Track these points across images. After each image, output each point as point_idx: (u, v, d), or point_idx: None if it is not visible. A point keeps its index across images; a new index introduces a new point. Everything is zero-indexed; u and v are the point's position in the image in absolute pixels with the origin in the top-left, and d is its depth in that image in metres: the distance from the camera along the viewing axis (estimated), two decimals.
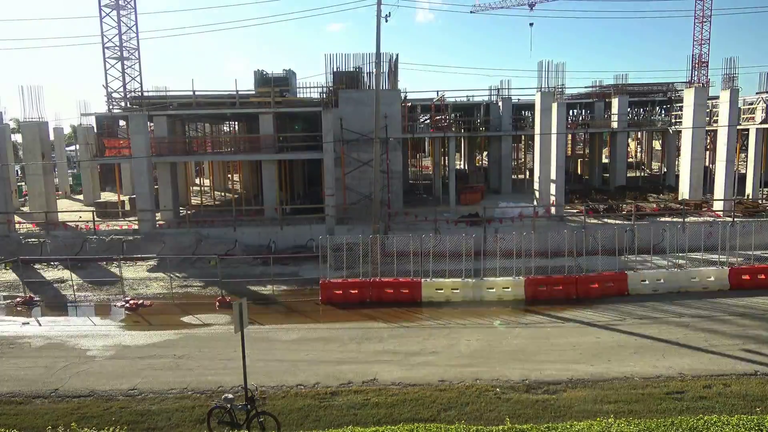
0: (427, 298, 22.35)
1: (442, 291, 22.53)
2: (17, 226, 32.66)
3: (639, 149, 66.71)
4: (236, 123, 48.57)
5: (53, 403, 14.46)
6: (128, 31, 45.58)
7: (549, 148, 33.41)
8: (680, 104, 39.94)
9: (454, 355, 16.92)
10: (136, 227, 31.73)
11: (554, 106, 33.39)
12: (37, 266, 28.24)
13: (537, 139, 34.94)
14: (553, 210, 32.91)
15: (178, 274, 26.16)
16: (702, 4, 61.64)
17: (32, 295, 23.76)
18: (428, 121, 49.04)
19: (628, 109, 47.86)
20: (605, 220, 31.78)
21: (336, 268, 24.31)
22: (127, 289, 24.47)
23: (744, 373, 15.04)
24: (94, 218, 32.36)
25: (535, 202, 34.31)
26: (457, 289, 22.52)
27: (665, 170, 48.33)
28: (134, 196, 35.39)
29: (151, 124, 34.86)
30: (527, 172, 49.48)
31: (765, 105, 36.71)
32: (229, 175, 53.67)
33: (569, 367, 15.71)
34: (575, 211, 33.99)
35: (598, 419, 11.79)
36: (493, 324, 19.71)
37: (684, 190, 34.98)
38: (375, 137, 26.75)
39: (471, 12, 64.10)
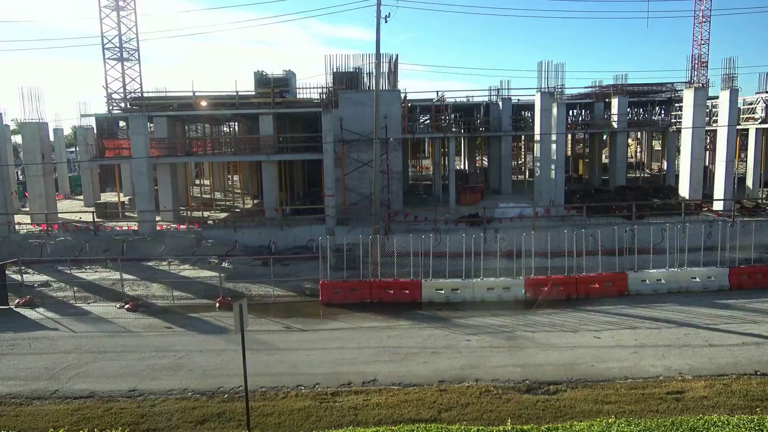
0: (428, 298, 22.34)
1: (442, 291, 22.52)
2: (17, 227, 32.67)
3: (639, 149, 66.71)
4: (236, 124, 48.56)
5: (54, 404, 14.47)
6: (128, 32, 45.54)
7: (549, 148, 33.42)
8: (680, 104, 39.95)
9: (455, 355, 16.92)
10: (136, 228, 31.73)
11: (554, 106, 33.40)
12: (37, 267, 28.23)
13: (537, 139, 34.96)
14: (552, 210, 32.91)
15: (178, 275, 26.12)
16: (702, 4, 61.63)
17: (32, 297, 23.74)
18: (428, 121, 49.04)
19: (628, 109, 47.85)
20: (605, 220, 31.75)
21: (336, 268, 24.28)
22: (127, 290, 24.45)
23: (744, 373, 15.04)
24: (94, 219, 32.37)
25: (535, 202, 34.31)
26: (457, 289, 22.51)
27: (665, 170, 48.32)
28: (134, 197, 35.39)
29: (151, 125, 34.87)
30: (527, 172, 49.50)
31: (764, 105, 36.72)
32: (229, 176, 53.68)
33: (569, 366, 15.71)
34: (575, 211, 33.97)
35: (599, 419, 11.80)
36: (490, 324, 19.66)
37: (684, 190, 34.96)
38: (375, 138, 26.75)
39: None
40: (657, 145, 63.20)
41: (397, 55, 35.58)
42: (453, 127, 42.88)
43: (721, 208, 32.67)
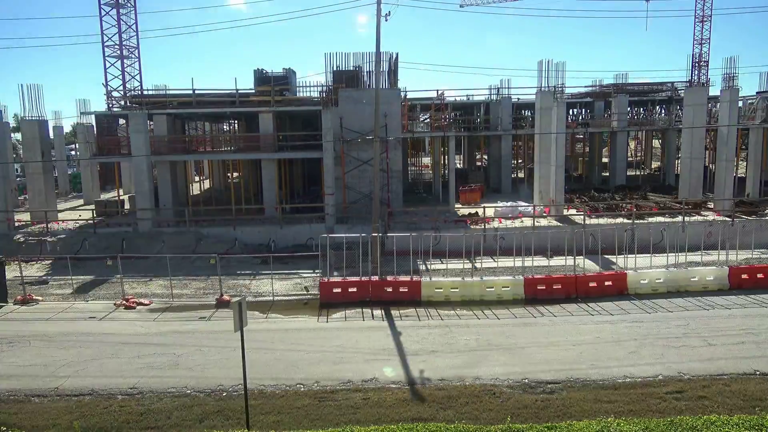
0: (427, 297, 22.31)
1: (441, 290, 22.50)
2: (17, 224, 32.67)
3: (639, 148, 66.74)
4: (236, 122, 48.55)
5: (53, 401, 14.46)
6: (128, 30, 45.59)
7: (549, 147, 33.42)
8: (680, 104, 39.96)
9: (454, 354, 16.91)
10: (136, 226, 31.70)
11: (554, 105, 33.39)
12: (36, 264, 28.22)
13: (537, 138, 34.95)
14: (552, 209, 32.92)
15: (177, 273, 26.12)
16: (702, 3, 61.57)
17: (31, 294, 23.73)
18: (428, 120, 49.03)
19: (628, 109, 47.90)
20: (605, 219, 31.78)
21: (336, 267, 24.30)
22: (127, 287, 24.44)
23: (744, 373, 15.04)
24: (93, 217, 32.36)
25: (534, 202, 34.32)
26: (457, 288, 22.50)
27: (665, 170, 48.35)
28: (134, 194, 35.38)
29: (151, 122, 34.84)
30: (527, 172, 49.49)
31: (765, 104, 36.71)
32: (229, 174, 53.70)
33: (568, 366, 15.71)
34: (575, 210, 33.99)
35: (598, 419, 11.80)
36: (489, 323, 19.66)
37: (684, 190, 34.99)
38: (375, 136, 26.72)
39: (461, 6, 62.04)
40: (657, 145, 63.21)
41: (397, 54, 35.50)
42: (453, 126, 42.84)
43: (721, 208, 32.68)
